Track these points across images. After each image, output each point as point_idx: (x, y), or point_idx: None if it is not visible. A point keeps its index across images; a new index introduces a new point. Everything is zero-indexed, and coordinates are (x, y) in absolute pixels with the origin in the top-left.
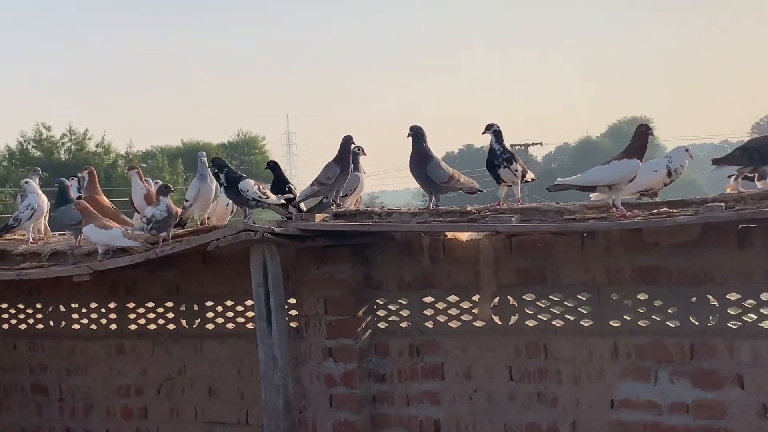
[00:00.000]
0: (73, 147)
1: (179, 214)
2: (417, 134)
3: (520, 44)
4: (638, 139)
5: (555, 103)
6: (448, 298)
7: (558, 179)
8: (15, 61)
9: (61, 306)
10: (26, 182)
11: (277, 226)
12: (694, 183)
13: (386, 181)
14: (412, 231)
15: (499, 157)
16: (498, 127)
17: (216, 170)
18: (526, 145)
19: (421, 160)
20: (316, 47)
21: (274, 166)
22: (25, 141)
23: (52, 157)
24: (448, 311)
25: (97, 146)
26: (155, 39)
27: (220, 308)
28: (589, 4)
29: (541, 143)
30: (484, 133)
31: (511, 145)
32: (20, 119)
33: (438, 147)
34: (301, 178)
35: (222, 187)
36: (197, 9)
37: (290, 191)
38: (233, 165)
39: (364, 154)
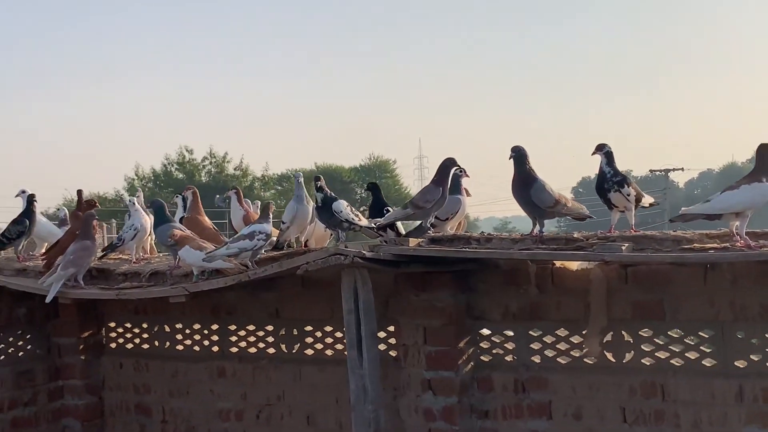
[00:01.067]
0: (213, 169)
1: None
2: (519, 155)
3: (661, 66)
4: (765, 160)
5: (699, 126)
6: (556, 332)
7: (682, 208)
8: (162, 87)
9: (166, 326)
10: (131, 202)
11: (369, 250)
12: None
13: (480, 209)
14: (511, 258)
15: (609, 180)
16: (610, 148)
17: (315, 190)
18: (667, 171)
19: (524, 182)
20: (450, 69)
21: (373, 188)
22: (169, 163)
23: (194, 179)
24: (557, 345)
25: (235, 169)
26: (288, 65)
27: (319, 333)
28: (736, 22)
29: (682, 169)
30: (594, 153)
31: (651, 171)
32: (165, 143)
33: (573, 172)
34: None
35: (316, 209)
36: (335, 31)
37: (387, 213)
38: (365, 188)
39: (467, 176)
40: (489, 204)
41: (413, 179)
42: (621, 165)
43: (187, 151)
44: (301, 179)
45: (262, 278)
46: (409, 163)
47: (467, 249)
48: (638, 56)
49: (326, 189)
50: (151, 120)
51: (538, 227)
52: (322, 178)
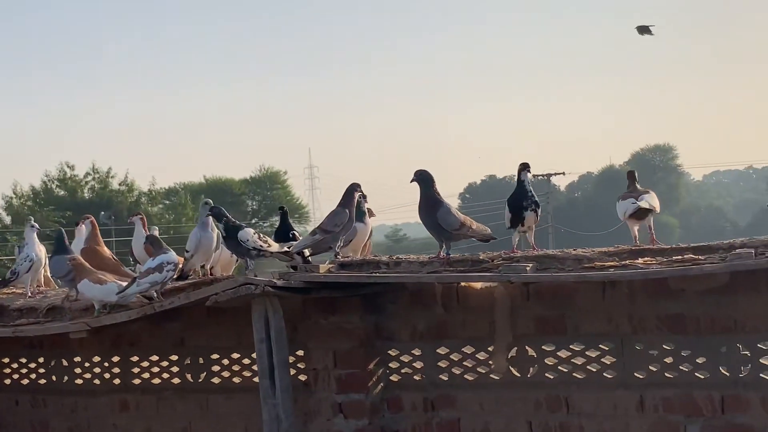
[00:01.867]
0: (96, 185)
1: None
2: (423, 179)
3: (539, 71)
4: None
5: (576, 131)
6: (463, 349)
7: None
8: (37, 101)
9: (63, 360)
10: (31, 228)
11: (279, 278)
12: (720, 210)
13: (410, 214)
14: (420, 282)
15: (529, 199)
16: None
17: (215, 220)
18: (549, 175)
19: (430, 206)
20: (336, 80)
21: (283, 214)
22: (49, 180)
23: (76, 195)
24: (464, 363)
25: (120, 184)
26: (175, 80)
27: (226, 361)
28: (608, 29)
29: (563, 173)
30: (522, 171)
31: (533, 175)
32: (43, 159)
33: (461, 178)
34: (324, 212)
35: (222, 238)
36: (217, 39)
37: (294, 239)
38: (256, 200)
39: (366, 202)
40: (379, 213)
41: (304, 189)
42: (504, 171)
43: (68, 167)
44: (208, 204)
45: (167, 309)
46: (300, 173)
47: (377, 273)
48: (519, 59)
49: (227, 217)
50: (28, 134)
51: (444, 249)
52: (221, 208)
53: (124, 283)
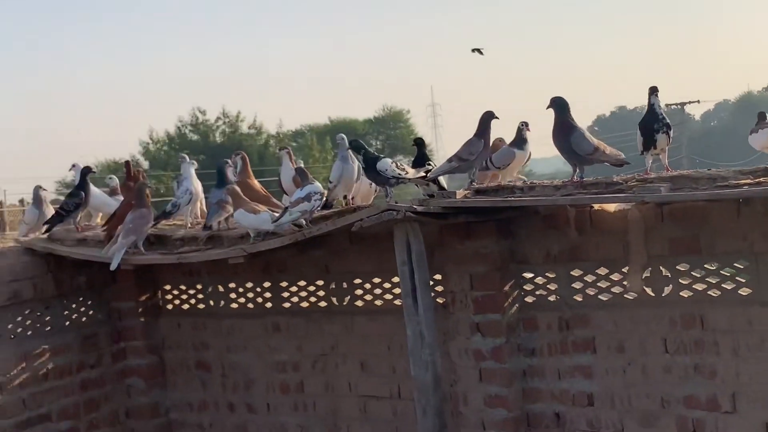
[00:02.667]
0: (227, 129)
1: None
2: (559, 105)
3: None
4: None
5: (713, 57)
6: (597, 271)
7: None
8: (172, 50)
9: (219, 287)
10: (182, 161)
11: (419, 204)
12: None
13: (536, 149)
14: (555, 204)
15: (660, 122)
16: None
17: (354, 153)
18: (683, 104)
19: (564, 132)
20: (457, 15)
21: (420, 143)
22: (182, 126)
23: (209, 140)
24: (598, 284)
25: (249, 128)
26: (295, 23)
27: (368, 286)
28: None
29: (698, 101)
30: (651, 95)
31: (666, 105)
32: (178, 105)
33: (589, 110)
34: (448, 150)
35: (363, 169)
36: None
37: (429, 169)
38: (380, 139)
39: (528, 129)
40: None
41: (427, 127)
42: (636, 100)
43: (199, 112)
44: (344, 141)
45: (311, 237)
46: (422, 111)
47: (512, 198)
48: None
49: (365, 149)
50: (161, 82)
51: (578, 173)
52: (360, 141)
53: (276, 213)
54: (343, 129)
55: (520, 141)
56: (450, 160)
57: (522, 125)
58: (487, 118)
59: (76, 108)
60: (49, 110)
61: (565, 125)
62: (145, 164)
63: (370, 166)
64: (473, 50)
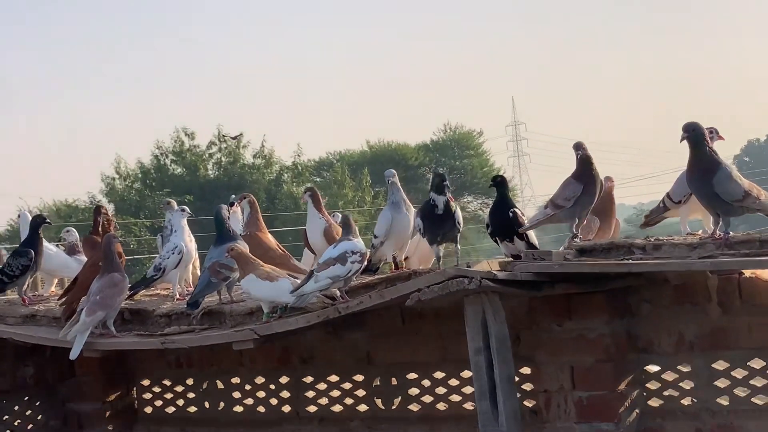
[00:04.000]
0: (224, 159)
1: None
2: (696, 135)
3: None
4: None
5: None
6: (749, 364)
7: None
8: (152, 56)
9: (218, 382)
10: (167, 208)
11: (500, 269)
12: None
13: (655, 188)
14: (690, 270)
15: None
16: None
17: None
18: None
19: (704, 169)
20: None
21: (499, 183)
22: (162, 154)
23: (198, 174)
24: (750, 382)
25: (255, 156)
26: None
27: (427, 383)
28: None
29: None
30: None
31: None
32: (157, 124)
33: (737, 135)
34: (536, 186)
35: (429, 217)
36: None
37: (514, 217)
38: (441, 171)
39: (720, 137)
40: (620, 186)
41: (507, 155)
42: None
43: (186, 134)
44: (395, 178)
45: (348, 315)
46: (500, 133)
47: (631, 261)
48: None
49: (448, 186)
50: (135, 97)
51: (721, 226)
52: (445, 175)
53: (298, 280)
54: (388, 157)
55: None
56: (545, 206)
57: (711, 133)
58: (583, 154)
59: (9, 129)
60: None
61: (705, 161)
62: (109, 207)
63: (449, 213)
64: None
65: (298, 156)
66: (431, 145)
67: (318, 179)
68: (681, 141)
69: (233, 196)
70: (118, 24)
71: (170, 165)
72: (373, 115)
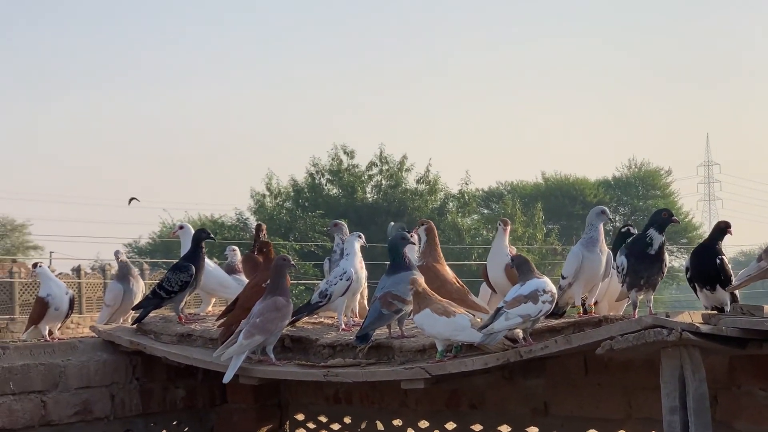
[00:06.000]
0: (384, 182)
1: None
2: None
3: None
4: None
5: None
6: None
7: None
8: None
9: (378, 423)
10: (337, 231)
11: (704, 322)
12: None
13: None
14: None
15: None
16: None
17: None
18: None
19: None
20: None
21: (723, 230)
22: (318, 172)
23: (354, 196)
24: None
25: (418, 181)
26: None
27: None
28: None
29: None
30: None
31: None
32: (313, 139)
33: None
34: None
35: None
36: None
37: (721, 264)
38: (621, 212)
39: None
40: None
41: (697, 199)
42: None
43: (345, 153)
44: (606, 213)
45: (527, 360)
46: (692, 173)
47: None
48: None
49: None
50: (291, 109)
51: None
52: (673, 212)
53: (478, 318)
54: (565, 191)
55: None
56: (759, 259)
57: None
58: None
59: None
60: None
61: None
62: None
63: (658, 253)
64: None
65: (466, 184)
66: (613, 182)
67: (486, 211)
68: None
69: (392, 223)
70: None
71: (325, 184)
72: (550, 144)
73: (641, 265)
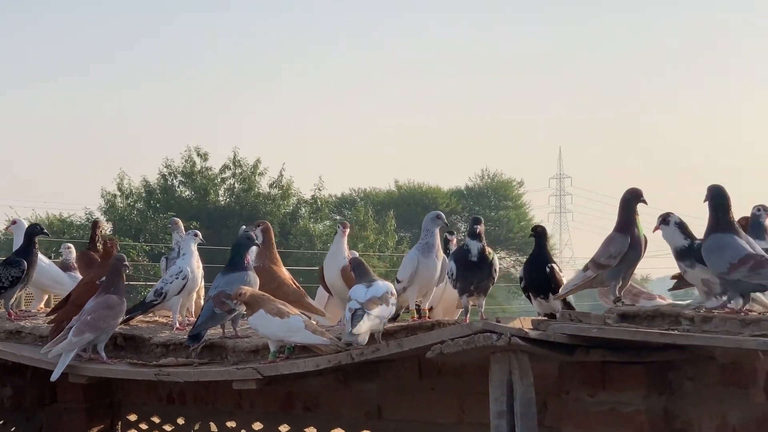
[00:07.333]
0: (237, 185)
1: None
2: (717, 197)
3: None
4: None
5: None
6: None
7: None
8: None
9: (212, 424)
10: (174, 228)
11: (533, 327)
12: None
13: None
14: (741, 349)
15: None
16: None
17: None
18: None
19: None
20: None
21: (540, 234)
22: (170, 174)
23: (207, 199)
24: None
25: (271, 186)
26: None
27: None
28: None
29: None
30: None
31: None
32: (167, 141)
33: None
34: (576, 247)
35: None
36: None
37: (551, 272)
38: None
39: None
40: (663, 256)
41: (548, 211)
42: None
43: (199, 155)
44: (441, 218)
45: (360, 362)
46: (543, 185)
47: (675, 332)
48: None
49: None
50: (144, 109)
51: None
52: (481, 220)
53: (312, 319)
54: (417, 200)
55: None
56: (585, 269)
57: (758, 210)
58: (630, 199)
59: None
60: None
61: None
62: (107, 227)
63: (484, 261)
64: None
65: (319, 190)
66: (465, 192)
67: (338, 217)
68: (705, 201)
69: (243, 227)
70: (126, 23)
71: (178, 186)
72: (404, 152)
73: (468, 271)
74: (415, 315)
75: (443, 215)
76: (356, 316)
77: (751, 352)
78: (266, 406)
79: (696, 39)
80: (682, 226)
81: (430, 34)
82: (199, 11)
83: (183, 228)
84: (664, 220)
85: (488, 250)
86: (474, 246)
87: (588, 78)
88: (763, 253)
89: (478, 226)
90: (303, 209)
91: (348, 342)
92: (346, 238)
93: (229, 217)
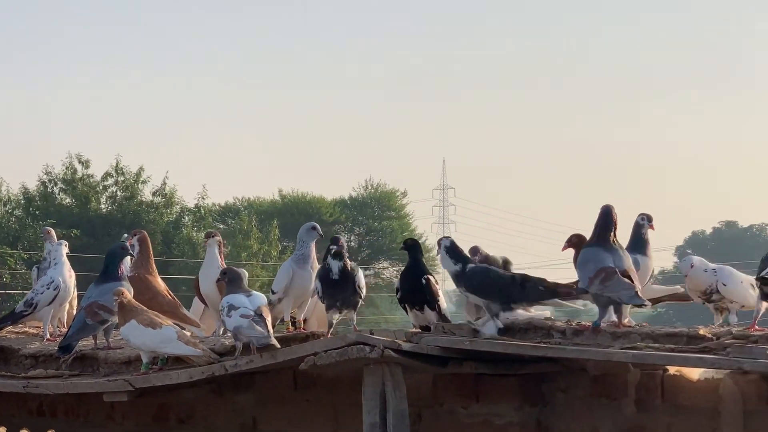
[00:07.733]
0: (119, 193)
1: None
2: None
3: None
4: None
5: None
6: None
7: None
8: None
9: None
10: (47, 238)
11: (406, 340)
12: None
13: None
14: (611, 361)
15: None
16: None
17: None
18: None
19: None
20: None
21: (412, 246)
22: (50, 181)
23: (88, 207)
24: None
25: (154, 194)
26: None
27: None
28: None
29: None
30: None
31: None
32: (46, 146)
33: (683, 224)
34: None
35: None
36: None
37: (427, 284)
38: (356, 233)
39: (652, 227)
40: (546, 266)
41: (432, 221)
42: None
43: (80, 162)
44: (317, 230)
45: (235, 374)
46: (426, 196)
47: (547, 345)
48: None
49: (346, 255)
50: (23, 115)
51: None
52: (341, 240)
53: (186, 331)
54: (301, 210)
55: (640, 244)
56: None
57: (642, 219)
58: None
59: None
60: None
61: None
62: None
63: (346, 278)
64: None
65: (202, 198)
66: (349, 201)
67: (222, 226)
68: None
69: (125, 235)
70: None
71: (58, 193)
72: (287, 161)
73: (332, 289)
74: (290, 326)
75: (318, 227)
76: (256, 321)
77: (621, 364)
78: (139, 418)
79: (584, 47)
80: (452, 250)
81: (309, 42)
82: (79, 11)
83: (56, 237)
84: (438, 244)
85: (350, 266)
86: (335, 265)
87: (472, 89)
88: (625, 265)
89: (335, 247)
90: (186, 218)
91: (267, 344)
92: (217, 248)
93: (111, 226)
